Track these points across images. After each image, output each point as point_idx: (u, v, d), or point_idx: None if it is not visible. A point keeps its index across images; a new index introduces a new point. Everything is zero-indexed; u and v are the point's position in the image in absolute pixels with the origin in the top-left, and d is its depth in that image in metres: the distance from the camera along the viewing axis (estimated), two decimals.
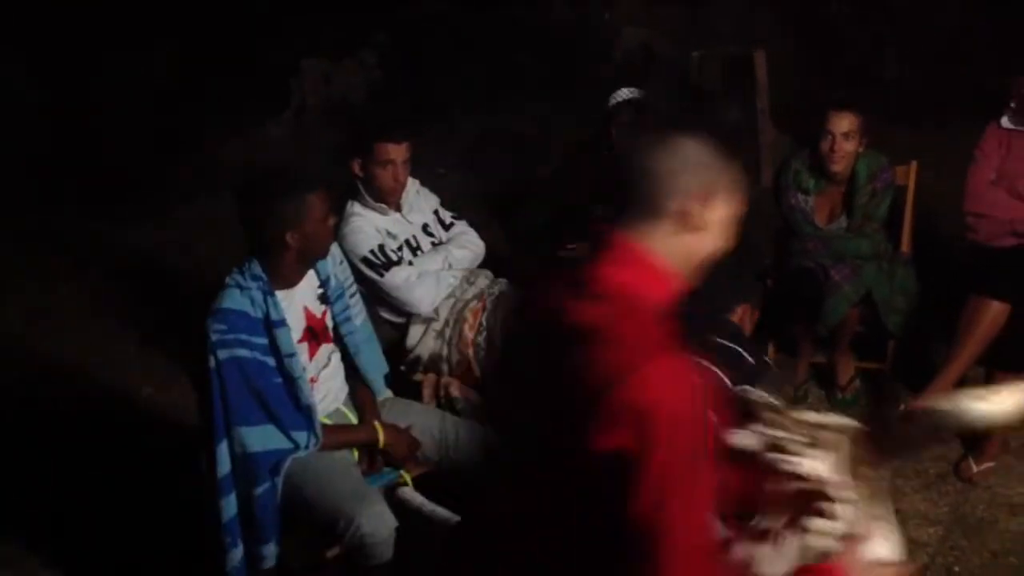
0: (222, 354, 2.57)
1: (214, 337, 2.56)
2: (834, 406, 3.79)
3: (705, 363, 1.46)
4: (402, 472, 2.80)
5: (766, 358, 2.56)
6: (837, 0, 6.76)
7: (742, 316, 2.73)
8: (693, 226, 1.55)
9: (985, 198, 3.56)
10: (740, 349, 2.50)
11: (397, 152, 3.38)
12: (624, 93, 4.02)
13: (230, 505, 2.58)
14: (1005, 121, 3.61)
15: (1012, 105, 3.57)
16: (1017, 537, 3.08)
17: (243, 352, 2.58)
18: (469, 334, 3.36)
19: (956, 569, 2.98)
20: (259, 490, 2.57)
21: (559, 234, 3.73)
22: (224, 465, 2.57)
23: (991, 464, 3.39)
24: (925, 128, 5.43)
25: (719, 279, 2.65)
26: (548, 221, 4.07)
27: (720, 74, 5.91)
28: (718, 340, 2.52)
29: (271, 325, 2.62)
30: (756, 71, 5.58)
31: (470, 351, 3.35)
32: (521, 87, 6.84)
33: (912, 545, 2.93)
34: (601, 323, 1.44)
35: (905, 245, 3.86)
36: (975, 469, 3.35)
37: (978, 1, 6.31)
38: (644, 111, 3.91)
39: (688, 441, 1.37)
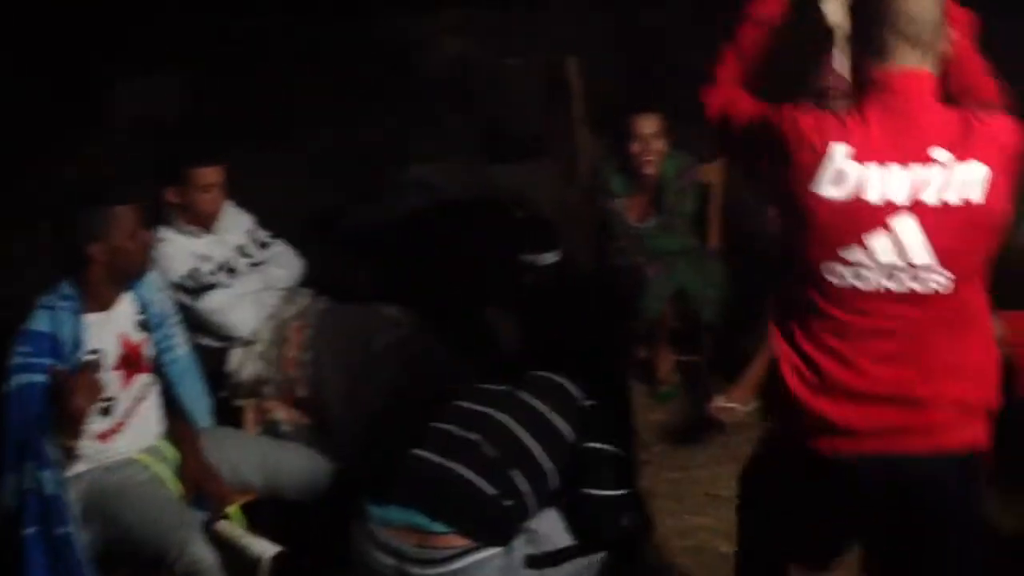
0: (20, 379, 2.48)
1: (15, 360, 2.49)
2: (655, 401, 3.93)
3: None
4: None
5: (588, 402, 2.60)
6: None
7: None
8: (945, 61, 1.96)
9: None
10: (564, 382, 2.55)
11: (216, 175, 3.35)
12: (549, 258, 3.81)
13: (20, 540, 2.46)
14: None
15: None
16: None
17: (42, 379, 2.49)
18: (292, 354, 3.32)
19: None
20: (58, 530, 2.46)
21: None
22: (12, 498, 2.47)
23: None
24: None
25: None
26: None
27: (536, 82, 6.01)
28: (538, 374, 2.57)
29: (77, 346, 2.55)
30: (570, 78, 5.68)
31: (294, 371, 3.31)
32: (344, 101, 6.80)
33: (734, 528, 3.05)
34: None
35: (713, 239, 4.03)
36: None
37: None
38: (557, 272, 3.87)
39: None
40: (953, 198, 1.87)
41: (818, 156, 1.89)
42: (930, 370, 1.96)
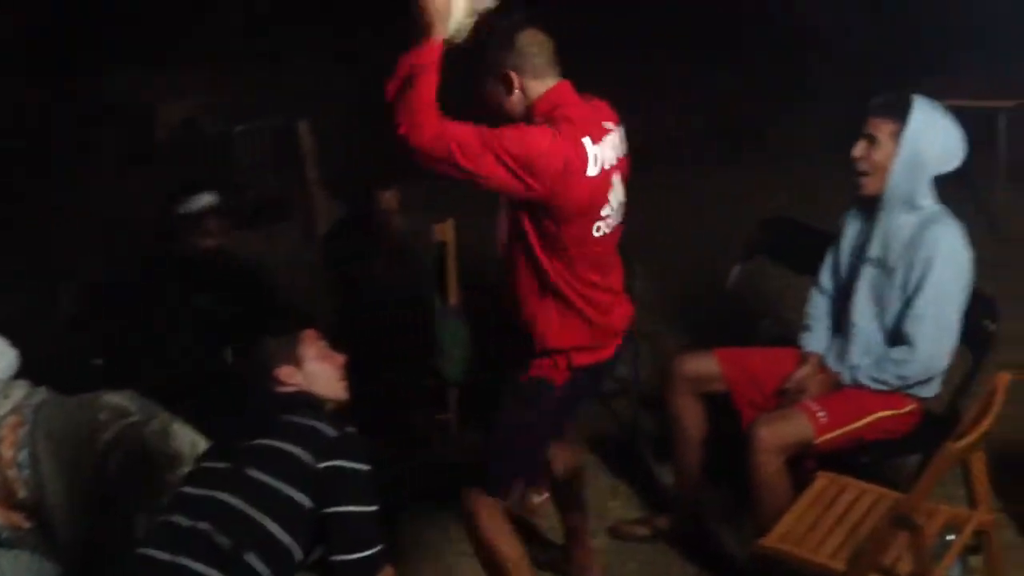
0: None
1: None
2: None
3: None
4: None
5: (348, 428, 2.50)
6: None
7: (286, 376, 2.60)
8: None
9: None
10: (315, 423, 2.47)
11: None
12: (204, 199, 3.71)
13: None
14: None
15: None
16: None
17: None
18: (7, 453, 3.06)
19: None
20: None
21: None
22: None
23: (548, 494, 3.66)
24: (462, 186, 5.77)
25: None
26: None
27: (267, 146, 5.95)
28: (291, 419, 2.47)
29: None
30: (301, 142, 5.66)
31: (11, 471, 3.05)
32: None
33: None
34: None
35: (453, 297, 4.08)
36: (536, 500, 3.58)
37: None
38: (226, 215, 3.78)
39: None
40: (622, 152, 2.74)
41: (583, 150, 2.57)
42: (620, 283, 2.89)
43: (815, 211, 4.98)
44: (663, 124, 7.34)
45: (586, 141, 2.56)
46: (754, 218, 4.94)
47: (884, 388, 3.08)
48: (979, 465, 2.87)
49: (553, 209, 2.57)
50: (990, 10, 6.65)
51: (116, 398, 3.17)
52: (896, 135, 3.02)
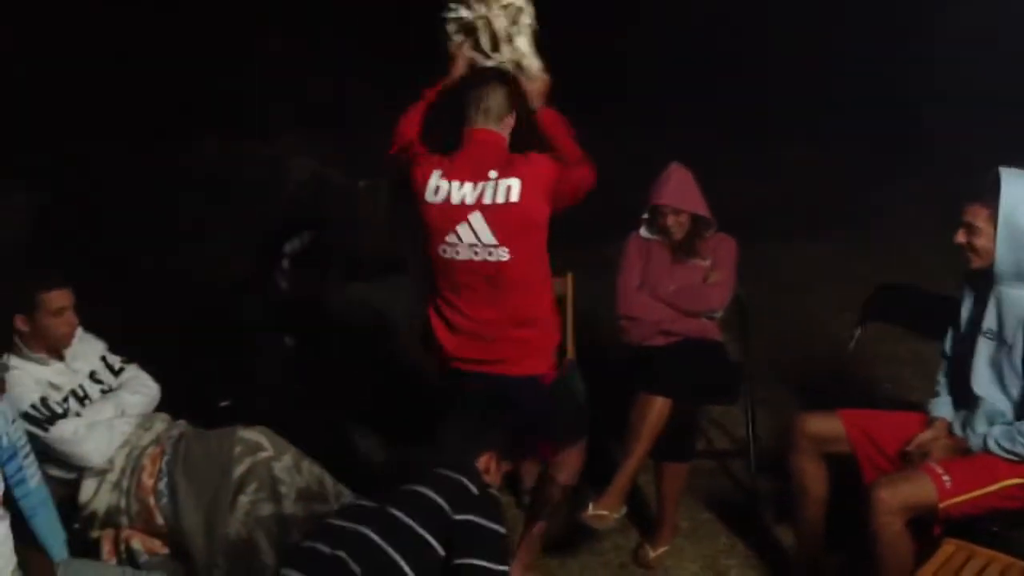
0: None
1: None
2: (523, 510, 3.95)
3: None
4: None
5: (490, 489, 2.66)
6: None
7: (487, 464, 2.78)
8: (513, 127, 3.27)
9: (633, 302, 3.89)
10: (463, 478, 2.56)
11: (66, 298, 3.25)
12: (304, 237, 4.12)
13: None
14: (643, 232, 3.99)
15: (645, 216, 3.95)
16: None
17: None
18: (148, 481, 3.22)
19: None
20: None
21: None
22: None
23: (666, 548, 3.65)
24: (580, 242, 5.87)
25: (464, 428, 2.79)
26: None
27: (387, 200, 6.11)
28: (439, 471, 2.57)
29: None
30: None
31: (151, 499, 3.20)
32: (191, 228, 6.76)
33: None
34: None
35: (571, 351, 4.13)
36: (652, 555, 3.59)
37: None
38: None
39: None
40: (501, 200, 3.05)
41: (426, 178, 3.11)
42: (501, 318, 3.14)
43: (914, 274, 4.95)
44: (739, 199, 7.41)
45: (434, 173, 3.12)
46: (853, 285, 4.92)
47: (1015, 459, 3.01)
48: None
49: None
50: None
51: (250, 434, 3.31)
52: (992, 218, 2.99)
